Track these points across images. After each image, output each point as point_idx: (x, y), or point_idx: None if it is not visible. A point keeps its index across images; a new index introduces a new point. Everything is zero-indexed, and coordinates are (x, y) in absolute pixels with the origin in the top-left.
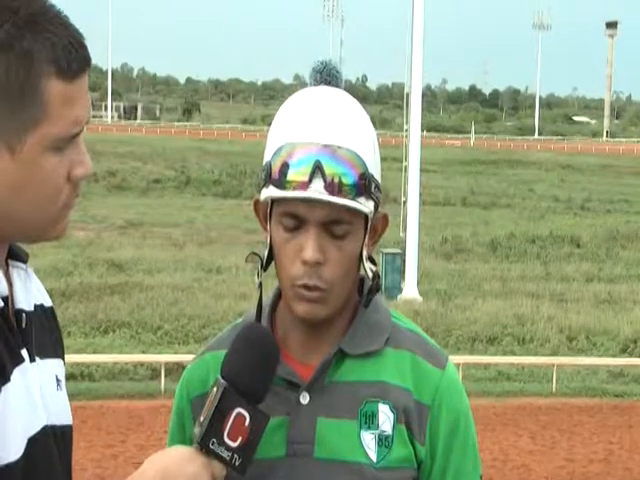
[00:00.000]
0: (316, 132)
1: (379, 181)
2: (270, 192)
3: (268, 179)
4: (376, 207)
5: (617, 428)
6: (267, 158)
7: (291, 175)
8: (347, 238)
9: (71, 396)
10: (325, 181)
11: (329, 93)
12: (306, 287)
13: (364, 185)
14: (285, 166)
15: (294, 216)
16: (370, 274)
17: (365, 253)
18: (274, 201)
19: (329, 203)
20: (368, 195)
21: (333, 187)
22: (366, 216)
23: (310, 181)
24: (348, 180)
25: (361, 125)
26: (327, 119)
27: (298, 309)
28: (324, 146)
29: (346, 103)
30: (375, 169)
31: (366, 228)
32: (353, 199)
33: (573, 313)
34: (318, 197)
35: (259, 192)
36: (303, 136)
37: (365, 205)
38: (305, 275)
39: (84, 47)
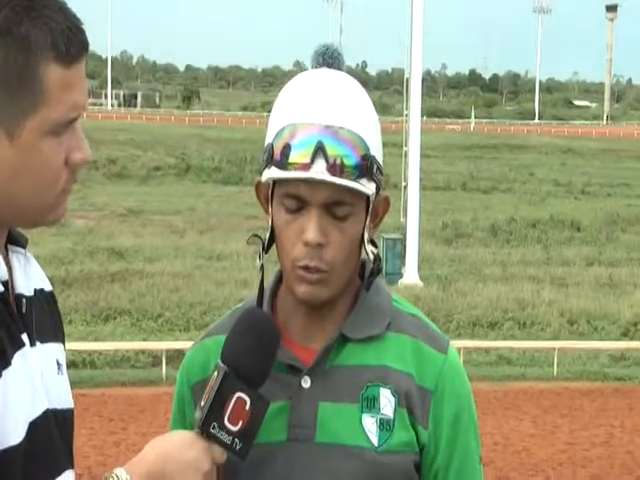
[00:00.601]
0: (318, 113)
1: (381, 163)
2: (272, 173)
3: (270, 160)
4: (377, 189)
5: (618, 412)
6: (269, 139)
7: (293, 156)
8: (349, 220)
9: (73, 384)
10: (327, 162)
11: (331, 75)
12: (307, 268)
13: (366, 166)
14: (287, 147)
15: (296, 197)
16: (371, 256)
17: (366, 235)
18: (276, 183)
19: (331, 184)
20: (370, 177)
21: (335, 168)
22: (367, 198)
23: (312, 162)
24: (350, 161)
25: (363, 107)
26: (329, 100)
27: (299, 291)
28: (326, 127)
29: (348, 85)
30: (377, 151)
31: (367, 210)
32: (355, 180)
33: (574, 297)
34: (320, 177)
35: (261, 174)
36: (305, 117)
37: (367, 187)
38: (307, 256)
39: (82, 31)
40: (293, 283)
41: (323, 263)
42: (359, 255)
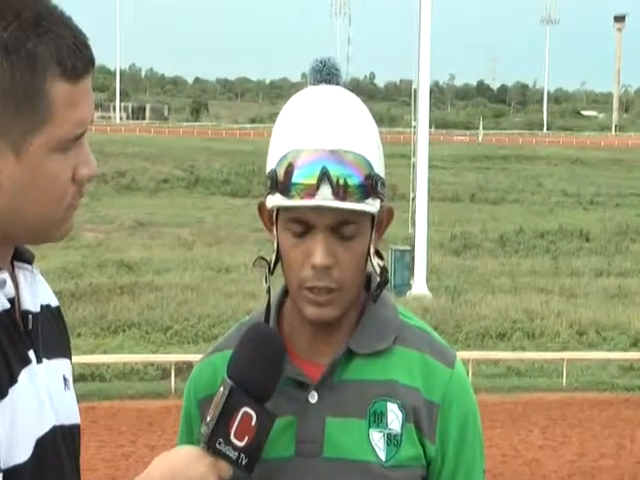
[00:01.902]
0: (321, 138)
1: (384, 178)
2: (277, 200)
3: (274, 186)
4: (382, 205)
5: (628, 422)
6: (271, 165)
7: (298, 183)
8: (355, 238)
9: (81, 397)
10: (332, 187)
11: (329, 94)
12: (316, 289)
13: (370, 186)
14: (291, 173)
15: (302, 222)
16: (378, 269)
17: (372, 249)
18: (280, 208)
19: (337, 208)
20: (375, 195)
21: (339, 191)
22: (372, 214)
23: (317, 188)
24: (354, 181)
25: (364, 125)
26: (330, 123)
27: (308, 312)
28: (330, 152)
29: (347, 103)
30: (380, 167)
31: (372, 225)
32: (360, 201)
33: (583, 308)
34: (327, 205)
35: (265, 198)
36: (308, 142)
37: (372, 205)
38: (314, 278)
39: (88, 48)
40: (302, 304)
41: (332, 282)
42: (365, 269)
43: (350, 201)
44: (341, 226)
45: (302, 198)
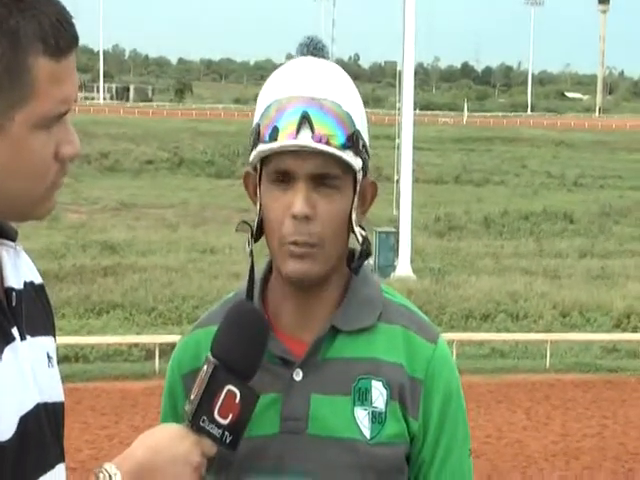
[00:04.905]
0: (303, 86)
1: (367, 142)
2: (258, 149)
3: (257, 140)
4: (364, 169)
5: (611, 403)
6: (256, 120)
7: (279, 129)
8: (336, 194)
9: (65, 378)
10: (313, 132)
11: (316, 59)
12: (296, 243)
13: (352, 140)
14: (273, 121)
15: (283, 172)
16: (360, 238)
17: (354, 216)
18: (263, 164)
19: (318, 154)
20: (356, 151)
21: (320, 136)
22: (355, 174)
23: (298, 132)
24: (336, 131)
25: (348, 85)
26: (313, 76)
27: (288, 268)
28: (311, 98)
29: (332, 66)
30: (362, 128)
31: (355, 189)
32: (341, 149)
33: (566, 289)
34: (306, 144)
35: (249, 156)
36: (290, 91)
37: (353, 160)
38: (295, 232)
39: (72, 25)
40: (282, 262)
41: (312, 237)
42: (347, 236)
43: (330, 147)
44: (322, 178)
45: (282, 141)
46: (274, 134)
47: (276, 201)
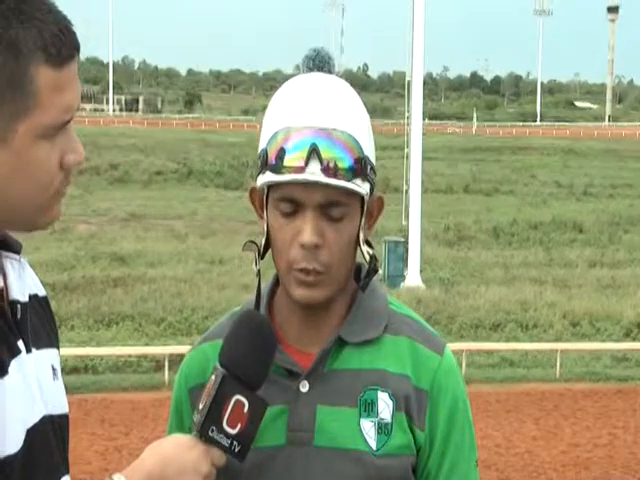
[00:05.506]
0: (311, 116)
1: (374, 163)
2: (266, 178)
3: (265, 165)
4: (371, 189)
5: (621, 413)
6: (262, 145)
7: (287, 159)
8: (344, 220)
9: (75, 389)
10: (321, 164)
11: (322, 78)
12: (305, 271)
13: (360, 167)
14: (281, 151)
15: (291, 200)
16: (367, 257)
17: (362, 236)
18: (270, 187)
19: (326, 185)
20: (364, 177)
21: (329, 170)
22: (362, 198)
23: (306, 164)
24: (344, 163)
25: (355, 108)
26: (321, 103)
27: (296, 293)
28: (320, 129)
29: (339, 87)
30: (370, 151)
31: (362, 210)
32: (349, 181)
33: (576, 298)
34: (315, 179)
35: (255, 180)
36: (298, 120)
37: (361, 187)
38: (303, 259)
39: (72, 33)
40: (290, 286)
41: (320, 265)
42: (354, 256)
43: (339, 179)
44: (330, 207)
45: (291, 173)
46: (282, 164)
47: (284, 227)
